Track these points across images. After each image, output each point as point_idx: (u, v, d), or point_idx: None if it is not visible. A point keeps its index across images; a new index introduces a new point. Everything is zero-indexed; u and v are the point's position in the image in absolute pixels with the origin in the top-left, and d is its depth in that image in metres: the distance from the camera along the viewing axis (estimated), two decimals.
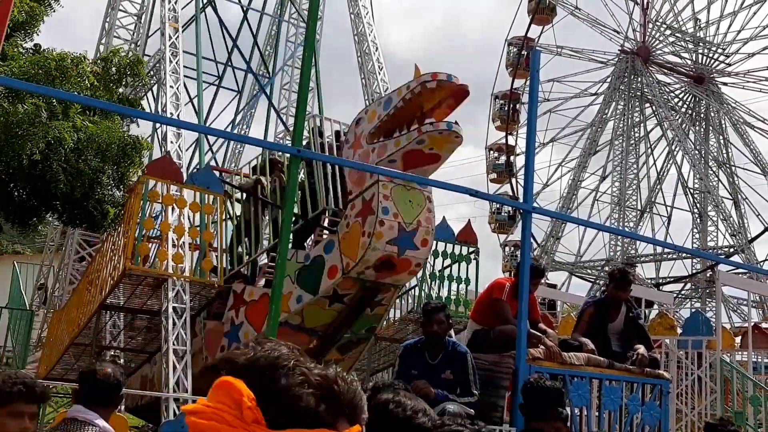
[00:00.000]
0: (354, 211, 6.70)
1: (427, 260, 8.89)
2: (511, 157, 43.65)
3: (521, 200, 7.88)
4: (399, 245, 6.34)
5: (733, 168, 41.10)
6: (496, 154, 44.71)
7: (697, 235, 40.33)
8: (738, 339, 14.10)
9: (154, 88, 14.90)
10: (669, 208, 43.73)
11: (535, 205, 6.82)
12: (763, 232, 37.27)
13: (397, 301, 15.50)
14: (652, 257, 41.35)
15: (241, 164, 32.62)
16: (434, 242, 11.33)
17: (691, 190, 41.43)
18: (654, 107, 41.83)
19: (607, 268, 38.91)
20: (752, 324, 11.99)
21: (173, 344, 8.51)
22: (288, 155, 5.81)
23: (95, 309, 10.05)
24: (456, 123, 6.11)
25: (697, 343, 10.48)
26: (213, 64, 24.17)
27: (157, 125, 15.48)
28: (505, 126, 43.61)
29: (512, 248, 38.35)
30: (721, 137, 41.76)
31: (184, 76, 13.50)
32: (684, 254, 39.53)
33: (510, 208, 42.37)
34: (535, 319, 6.28)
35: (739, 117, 40.87)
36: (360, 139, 6.83)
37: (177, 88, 11.46)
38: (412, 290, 14.34)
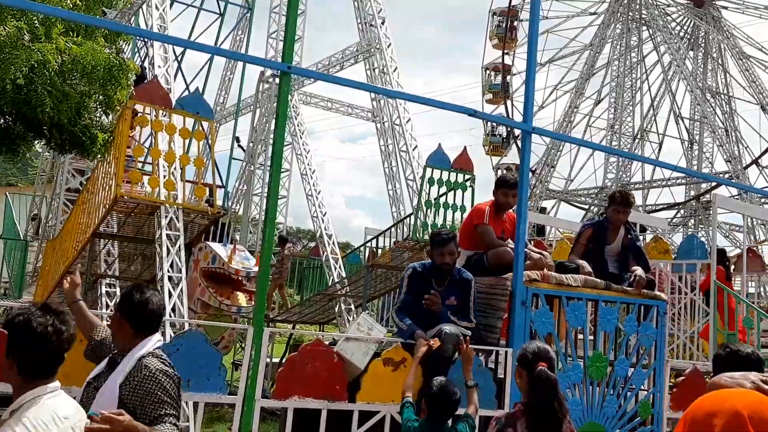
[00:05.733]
0: None
1: None
2: (507, 77, 42.94)
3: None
4: None
5: (730, 96, 40.70)
6: (492, 74, 43.99)
7: (688, 163, 40.26)
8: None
9: (143, 10, 14.36)
10: (661, 136, 43.53)
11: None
12: (762, 154, 37.13)
13: (393, 229, 15.56)
14: (641, 184, 41.46)
15: (231, 93, 32.17)
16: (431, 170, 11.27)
17: (684, 118, 41.17)
18: (651, 30, 41.03)
19: (601, 195, 39.07)
20: (746, 247, 12.04)
21: (168, 271, 8.50)
22: None
23: (88, 237, 9.99)
24: None
25: (691, 266, 10.53)
26: None
27: (142, 51, 15.00)
28: (503, 44, 42.75)
29: (505, 171, 38.15)
30: (717, 64, 41.18)
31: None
32: (671, 183, 39.75)
33: (504, 131, 42.03)
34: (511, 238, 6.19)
35: (737, 44, 40.17)
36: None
37: (163, 10, 11.03)
38: (408, 218, 14.30)
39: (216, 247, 10.31)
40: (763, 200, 30.41)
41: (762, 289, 18.56)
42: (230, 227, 15.60)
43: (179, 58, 26.30)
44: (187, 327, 7.19)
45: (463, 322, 5.22)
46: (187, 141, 9.41)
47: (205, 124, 9.40)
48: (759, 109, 38.98)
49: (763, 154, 37.52)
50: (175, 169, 9.11)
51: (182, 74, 26.06)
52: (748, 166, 37.19)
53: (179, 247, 8.79)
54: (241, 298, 9.60)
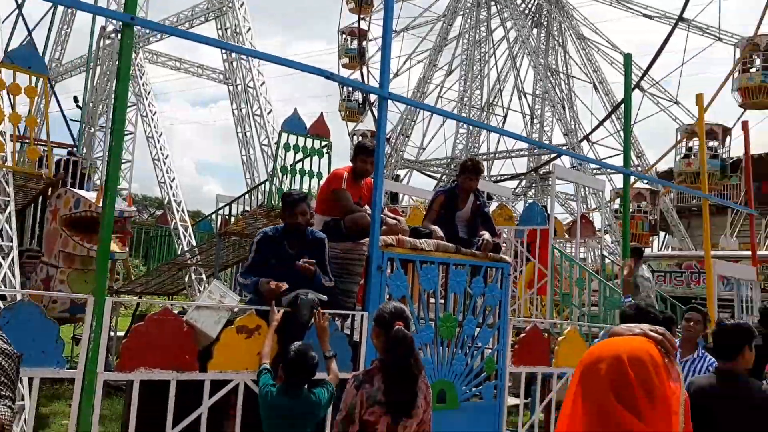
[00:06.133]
0: None
1: None
2: (363, 43, 43.34)
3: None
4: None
5: (568, 74, 43.47)
6: (348, 39, 44.21)
7: (529, 135, 42.76)
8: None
9: None
10: (505, 109, 45.93)
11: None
12: (593, 130, 40.11)
13: (246, 195, 15.21)
14: (487, 156, 43.67)
15: (68, 49, 29.77)
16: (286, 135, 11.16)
17: (527, 93, 43.62)
18: (499, 6, 42.79)
19: (452, 165, 40.60)
20: (581, 214, 13.01)
21: None
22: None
23: None
24: None
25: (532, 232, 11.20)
26: None
27: None
28: (359, 9, 42.96)
29: (361, 137, 38.63)
30: (558, 43, 43.77)
31: None
32: (514, 155, 42.37)
33: (360, 96, 42.47)
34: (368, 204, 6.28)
35: (575, 25, 42.87)
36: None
37: None
38: (263, 185, 14.03)
39: (78, 191, 9.51)
40: (594, 171, 32.92)
41: (591, 252, 20.23)
42: (92, 175, 14.47)
43: (20, 5, 23.97)
44: (19, 298, 6.62)
45: (327, 282, 5.25)
46: (18, 97, 8.58)
47: (39, 81, 8.63)
48: (592, 87, 42.00)
49: (593, 130, 40.54)
50: (3, 130, 8.30)
51: (26, 26, 23.71)
52: (580, 141, 40.04)
53: (9, 213, 8.05)
54: (113, 244, 8.91)
